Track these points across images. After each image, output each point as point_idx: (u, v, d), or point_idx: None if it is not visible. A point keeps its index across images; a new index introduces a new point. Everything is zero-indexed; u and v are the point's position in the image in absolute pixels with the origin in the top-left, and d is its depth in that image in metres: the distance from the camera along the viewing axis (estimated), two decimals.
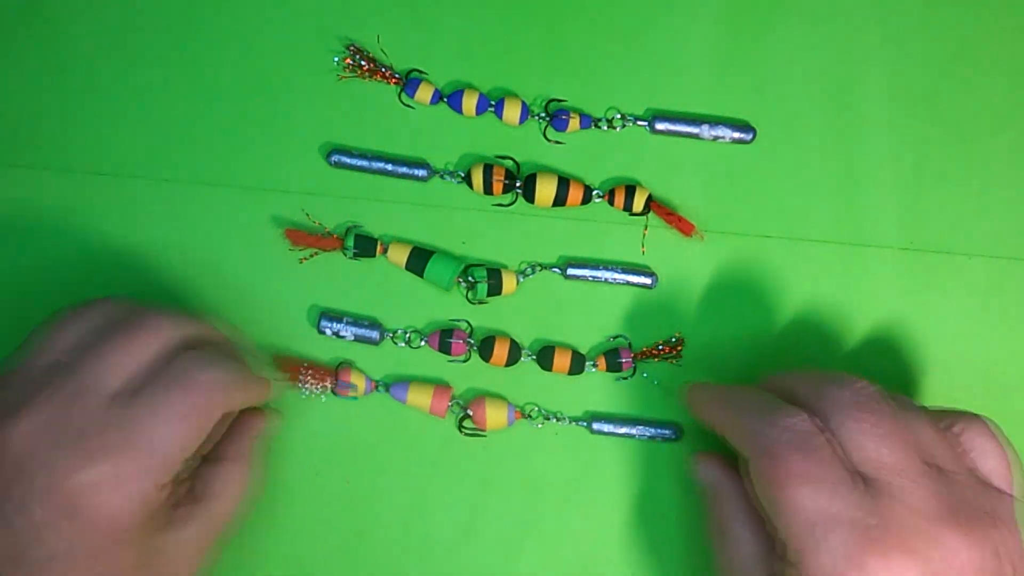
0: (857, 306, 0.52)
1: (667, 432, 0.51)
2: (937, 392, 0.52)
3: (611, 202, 0.51)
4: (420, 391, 0.51)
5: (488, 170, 0.51)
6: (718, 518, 0.46)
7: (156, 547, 0.42)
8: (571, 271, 0.52)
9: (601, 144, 0.53)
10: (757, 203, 0.53)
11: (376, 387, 0.52)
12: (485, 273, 0.51)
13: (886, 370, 0.52)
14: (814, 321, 0.52)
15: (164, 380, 0.42)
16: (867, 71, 0.53)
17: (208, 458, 0.46)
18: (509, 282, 0.51)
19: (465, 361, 0.52)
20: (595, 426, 0.51)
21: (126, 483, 0.39)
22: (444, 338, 0.51)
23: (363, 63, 0.52)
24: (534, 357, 0.51)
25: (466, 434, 0.51)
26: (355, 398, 0.51)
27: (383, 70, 0.52)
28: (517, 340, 0.52)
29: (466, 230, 0.52)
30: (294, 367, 0.51)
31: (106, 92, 0.52)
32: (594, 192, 0.52)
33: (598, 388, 0.52)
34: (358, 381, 0.51)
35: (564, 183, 0.51)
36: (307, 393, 0.51)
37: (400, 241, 0.52)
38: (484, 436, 0.52)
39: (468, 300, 0.52)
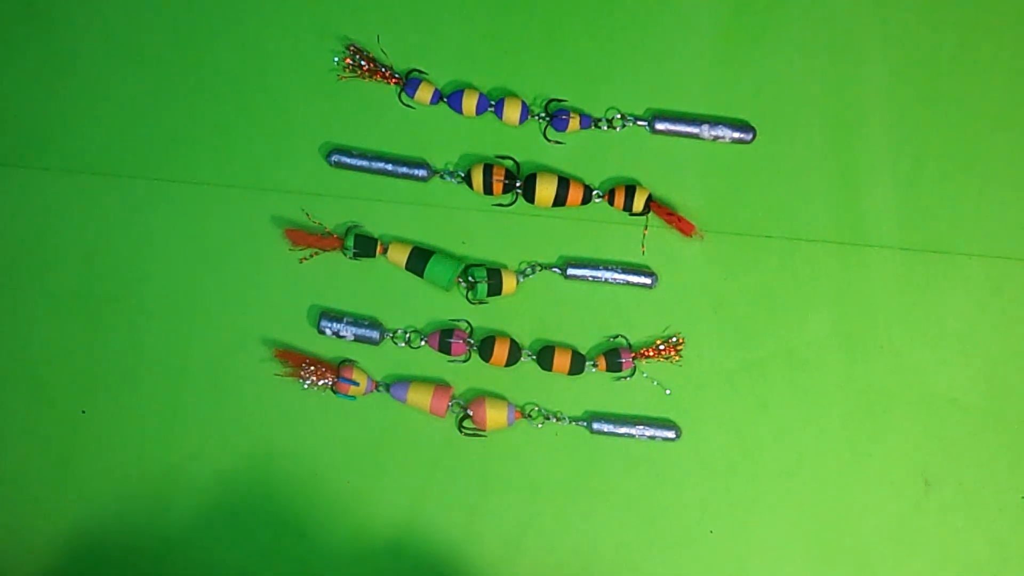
0: (857, 306, 0.52)
1: (667, 432, 0.51)
2: (937, 392, 0.52)
3: (611, 202, 0.51)
4: (420, 391, 0.51)
5: (488, 170, 0.51)
6: None
7: None
8: (571, 271, 0.52)
9: (601, 144, 0.53)
10: (757, 203, 0.53)
11: (376, 387, 0.52)
12: (485, 273, 0.51)
13: (886, 370, 0.52)
14: (814, 321, 0.52)
15: None
16: (867, 71, 0.53)
17: None
18: (509, 282, 0.51)
19: (465, 361, 0.52)
20: (595, 426, 0.51)
21: None
22: (444, 338, 0.51)
23: (363, 63, 0.52)
24: (534, 357, 0.51)
25: (466, 434, 0.51)
26: (355, 398, 0.51)
27: (383, 70, 0.52)
28: (517, 340, 0.52)
29: (466, 230, 0.52)
30: (296, 361, 0.51)
31: (106, 92, 0.52)
32: (594, 192, 0.52)
33: (598, 388, 0.52)
34: (360, 378, 0.51)
35: (564, 183, 0.51)
36: (307, 386, 0.51)
37: (400, 241, 0.52)
38: (484, 436, 0.52)
39: (468, 300, 0.52)
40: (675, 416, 0.52)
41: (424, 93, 0.51)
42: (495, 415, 0.51)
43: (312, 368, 0.51)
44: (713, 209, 0.52)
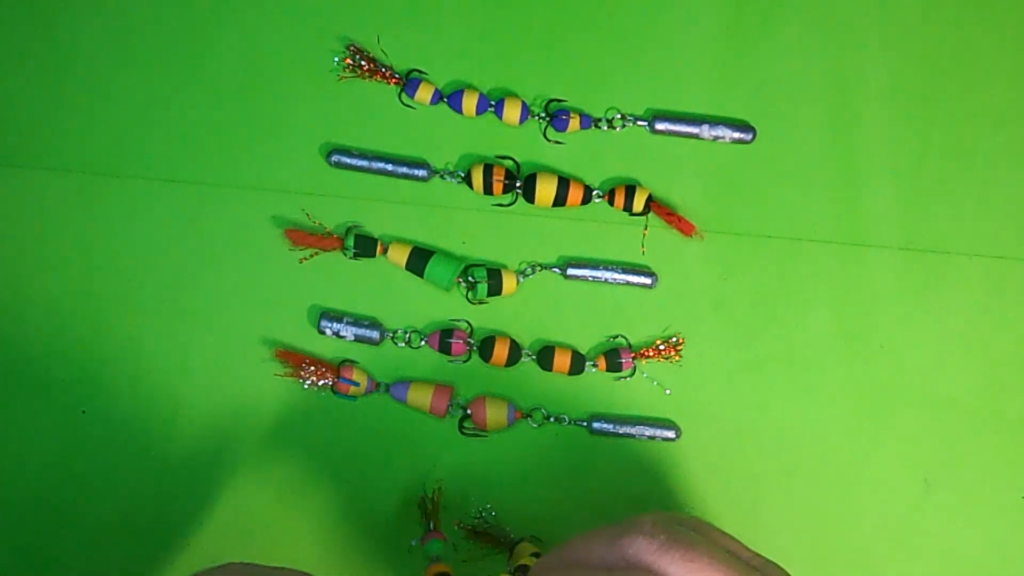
0: (857, 306, 0.52)
1: (667, 432, 0.51)
2: (937, 392, 0.52)
3: (611, 202, 0.51)
4: (420, 391, 0.51)
5: (488, 170, 0.51)
6: None
7: None
8: (571, 271, 0.52)
9: (601, 144, 0.53)
10: (757, 203, 0.53)
11: (376, 387, 0.52)
12: (485, 273, 0.51)
13: (886, 370, 0.52)
14: (814, 321, 0.52)
15: None
16: (867, 71, 0.53)
17: None
18: (509, 282, 0.51)
19: (465, 361, 0.52)
20: (595, 426, 0.51)
21: None
22: (444, 338, 0.51)
23: (363, 63, 0.52)
24: (534, 357, 0.51)
25: (466, 434, 0.52)
26: (355, 398, 0.51)
27: (383, 70, 0.52)
28: (517, 340, 0.52)
29: (466, 230, 0.52)
30: (296, 361, 0.51)
31: (106, 92, 0.52)
32: (594, 192, 0.52)
33: (598, 388, 0.52)
34: (360, 379, 0.51)
35: (564, 183, 0.51)
36: (308, 386, 0.51)
37: (400, 241, 0.52)
38: (484, 436, 0.52)
39: (468, 300, 0.52)
40: (675, 416, 0.52)
41: (424, 93, 0.51)
42: (495, 415, 0.51)
43: (312, 368, 0.51)
44: (713, 209, 0.52)
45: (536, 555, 0.49)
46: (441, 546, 0.50)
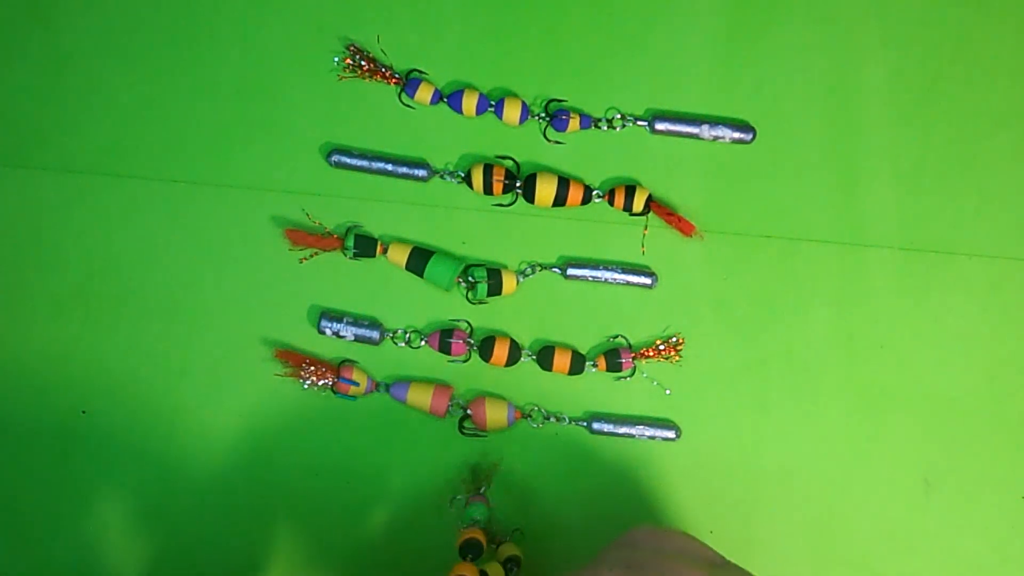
0: (857, 306, 0.52)
1: (667, 432, 0.51)
2: (937, 392, 0.52)
3: (611, 202, 0.51)
4: (420, 391, 0.51)
5: (488, 170, 0.51)
6: None
7: None
8: (571, 271, 0.52)
9: (601, 144, 0.53)
10: (757, 203, 0.53)
11: (376, 387, 0.52)
12: (485, 273, 0.51)
13: (886, 370, 0.52)
14: (814, 321, 0.52)
15: None
16: (867, 71, 0.53)
17: None
18: (509, 282, 0.51)
19: (465, 361, 0.52)
20: (595, 426, 0.51)
21: None
22: (444, 338, 0.51)
23: (363, 63, 0.52)
24: (534, 357, 0.51)
25: (466, 434, 0.52)
26: (355, 398, 0.51)
27: (383, 70, 0.52)
28: (517, 340, 0.52)
29: (466, 230, 0.52)
30: (296, 361, 0.51)
31: (106, 92, 0.52)
32: (594, 192, 0.52)
33: (598, 388, 0.52)
34: (360, 379, 0.51)
35: (564, 183, 0.51)
36: (308, 386, 0.51)
37: (400, 241, 0.52)
38: (484, 436, 0.52)
39: (468, 300, 0.52)
40: (675, 416, 0.52)
41: (424, 93, 0.51)
42: (495, 415, 0.51)
43: (312, 368, 0.51)
44: (713, 209, 0.52)
45: (515, 558, 0.48)
46: (484, 511, 0.49)
